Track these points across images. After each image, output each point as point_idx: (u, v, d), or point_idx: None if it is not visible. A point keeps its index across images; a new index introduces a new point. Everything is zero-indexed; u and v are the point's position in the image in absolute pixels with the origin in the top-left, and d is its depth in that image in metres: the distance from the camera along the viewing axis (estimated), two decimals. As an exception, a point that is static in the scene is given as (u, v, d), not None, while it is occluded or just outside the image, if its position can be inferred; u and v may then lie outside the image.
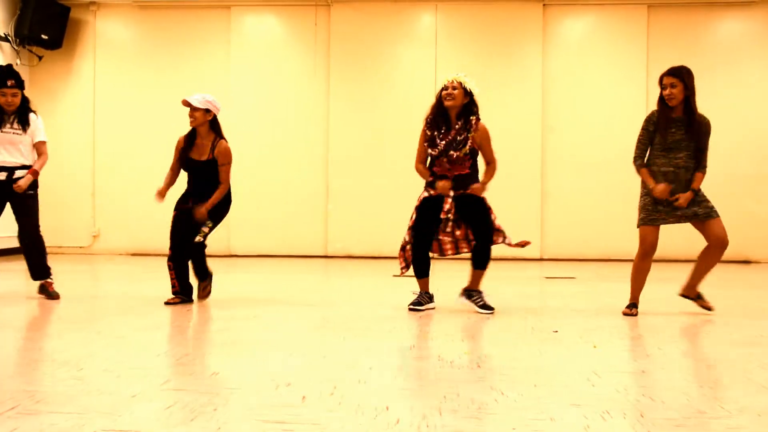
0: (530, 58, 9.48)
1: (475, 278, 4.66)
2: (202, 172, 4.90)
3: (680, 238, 9.40)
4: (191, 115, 4.85)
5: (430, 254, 4.72)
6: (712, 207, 4.59)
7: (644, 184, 4.70)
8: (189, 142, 4.95)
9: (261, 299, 5.08)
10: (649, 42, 9.51)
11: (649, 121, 4.69)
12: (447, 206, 4.50)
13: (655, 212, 4.61)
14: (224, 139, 4.94)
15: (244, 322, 4.28)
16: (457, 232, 4.61)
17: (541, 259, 9.37)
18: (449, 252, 4.71)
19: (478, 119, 4.56)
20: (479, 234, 4.57)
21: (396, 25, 9.64)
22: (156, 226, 9.87)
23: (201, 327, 4.02)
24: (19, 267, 7.71)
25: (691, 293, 4.71)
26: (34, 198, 5.12)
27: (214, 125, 4.93)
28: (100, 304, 4.94)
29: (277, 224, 9.42)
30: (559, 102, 9.52)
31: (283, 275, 7.07)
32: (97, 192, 9.92)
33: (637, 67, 9.49)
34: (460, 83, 4.51)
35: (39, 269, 5.12)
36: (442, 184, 4.52)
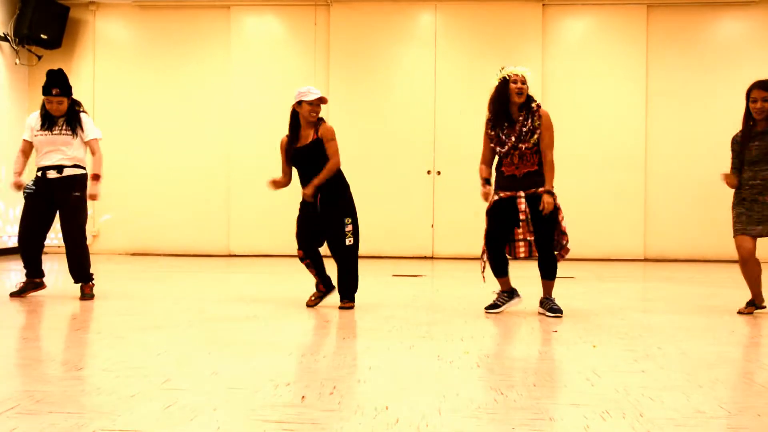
0: (530, 57, 9.48)
1: (546, 288, 4.62)
2: (310, 156, 4.70)
3: (713, 238, 9.42)
4: (316, 111, 4.71)
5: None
6: None
7: (734, 196, 4.77)
8: (293, 139, 4.78)
9: (260, 299, 5.08)
10: (648, 42, 9.51)
11: (733, 141, 4.77)
12: (522, 206, 4.42)
13: (744, 222, 4.66)
14: (325, 122, 4.83)
15: (243, 323, 4.28)
16: (529, 237, 4.48)
17: (541, 259, 9.37)
18: (522, 254, 4.58)
19: (539, 105, 4.51)
20: (541, 244, 4.49)
21: (395, 25, 9.64)
22: (155, 226, 9.89)
23: (200, 327, 4.02)
24: (18, 267, 7.71)
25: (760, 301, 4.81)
26: (83, 201, 5.16)
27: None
28: (100, 304, 4.94)
29: (276, 224, 9.41)
30: (559, 102, 9.51)
31: (283, 275, 7.07)
32: (96, 192, 9.91)
33: (636, 67, 9.50)
34: (525, 77, 4.45)
35: (82, 274, 5.17)
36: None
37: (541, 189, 4.46)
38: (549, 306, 4.58)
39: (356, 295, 4.89)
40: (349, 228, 4.74)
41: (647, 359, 3.26)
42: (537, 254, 4.55)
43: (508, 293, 4.71)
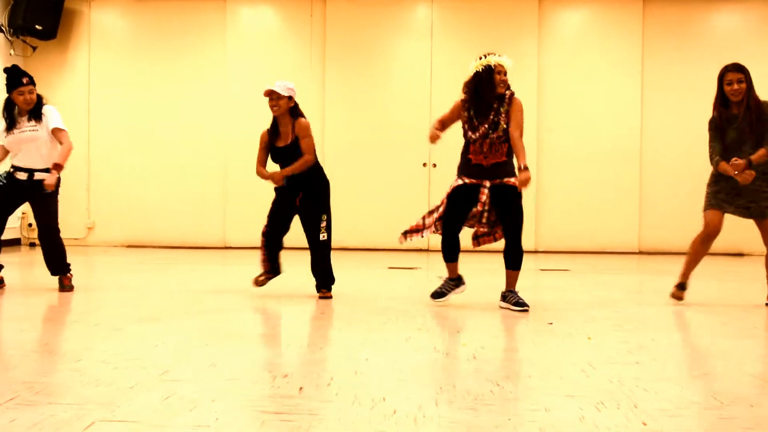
0: (526, 51, 9.48)
1: (510, 279, 4.53)
2: (289, 157, 4.83)
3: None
4: (275, 104, 4.78)
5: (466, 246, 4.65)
6: None
7: (711, 177, 4.81)
8: (274, 133, 4.91)
9: (257, 291, 5.08)
10: (644, 36, 9.52)
11: (711, 123, 4.82)
12: (484, 197, 4.37)
13: (718, 198, 4.69)
14: (303, 117, 4.90)
15: (240, 314, 4.29)
16: (492, 220, 4.48)
17: (536, 252, 9.40)
18: (486, 242, 4.62)
19: (512, 93, 4.47)
20: (508, 233, 4.44)
21: (392, 18, 9.63)
22: (150, 218, 9.88)
23: (197, 318, 4.03)
24: (13, 260, 7.70)
25: None
26: (53, 196, 5.05)
27: (294, 110, 4.88)
28: (97, 296, 4.95)
29: (272, 216, 9.41)
30: (555, 95, 9.53)
31: (281, 266, 7.07)
32: (91, 184, 9.89)
33: (632, 61, 9.51)
34: (506, 68, 4.42)
35: (58, 266, 5.11)
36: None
37: (511, 180, 4.36)
38: (514, 299, 4.45)
39: (351, 287, 4.92)
40: (324, 224, 4.89)
41: (641, 351, 3.29)
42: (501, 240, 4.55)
43: (455, 280, 4.66)
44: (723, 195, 4.68)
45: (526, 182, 4.27)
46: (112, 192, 9.80)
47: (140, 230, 9.81)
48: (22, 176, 5.02)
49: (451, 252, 4.60)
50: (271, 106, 4.83)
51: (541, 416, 2.26)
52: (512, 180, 4.39)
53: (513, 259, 4.48)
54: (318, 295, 4.95)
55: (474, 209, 4.48)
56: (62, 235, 5.18)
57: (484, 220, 4.48)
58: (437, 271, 7.07)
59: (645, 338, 3.60)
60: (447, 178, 9.29)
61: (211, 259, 8.03)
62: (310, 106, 9.59)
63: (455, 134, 10.05)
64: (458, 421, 2.20)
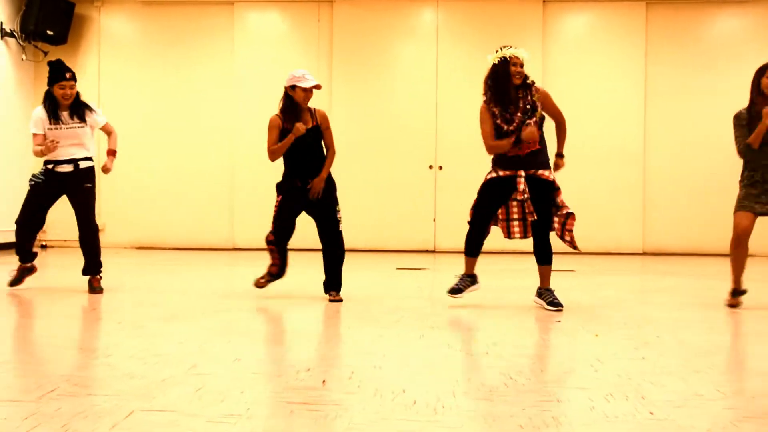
0: (530, 53, 9.60)
1: (543, 275, 4.57)
2: (306, 143, 4.77)
3: (711, 232, 9.57)
4: (309, 96, 4.76)
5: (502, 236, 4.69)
6: None
7: (744, 178, 4.66)
8: (290, 119, 4.76)
9: (267, 292, 5.18)
10: (647, 38, 9.65)
11: (739, 117, 4.68)
12: (522, 186, 4.39)
13: (751, 200, 4.60)
14: (318, 108, 4.94)
15: (255, 313, 4.43)
16: (529, 217, 4.47)
17: (541, 253, 9.52)
18: (516, 235, 4.61)
19: (533, 81, 4.55)
20: (539, 228, 4.48)
21: (397, 22, 9.77)
22: (160, 220, 10.02)
23: (215, 317, 4.15)
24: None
25: None
26: (93, 190, 5.26)
27: None
28: (115, 296, 5.08)
29: (280, 218, 9.54)
30: (559, 98, 9.50)
31: (290, 268, 7.20)
32: (101, 186, 10.02)
33: (635, 64, 9.63)
34: (523, 60, 4.47)
35: (92, 264, 5.23)
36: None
37: (546, 173, 4.43)
38: (550, 299, 4.53)
39: (362, 287, 5.02)
40: (340, 215, 4.88)
41: (647, 347, 3.41)
42: (532, 237, 4.55)
43: (471, 277, 4.67)
44: (759, 196, 4.55)
45: (559, 166, 4.55)
46: (122, 194, 9.94)
47: (150, 232, 9.95)
48: (66, 168, 5.14)
49: (475, 246, 4.61)
50: (308, 99, 4.76)
51: (554, 406, 2.39)
52: (547, 173, 4.46)
53: (545, 253, 4.53)
54: (328, 297, 4.88)
55: (512, 200, 4.49)
56: (73, 237, 5.33)
57: (530, 209, 4.41)
58: (444, 272, 7.19)
59: (650, 335, 3.73)
60: (452, 180, 9.49)
61: (221, 260, 8.17)
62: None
63: (459, 135, 10.15)
64: (475, 411, 2.33)
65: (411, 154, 9.62)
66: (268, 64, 9.85)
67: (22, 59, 9.59)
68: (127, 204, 9.95)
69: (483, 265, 6.41)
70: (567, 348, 3.40)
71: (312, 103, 4.89)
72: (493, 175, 4.52)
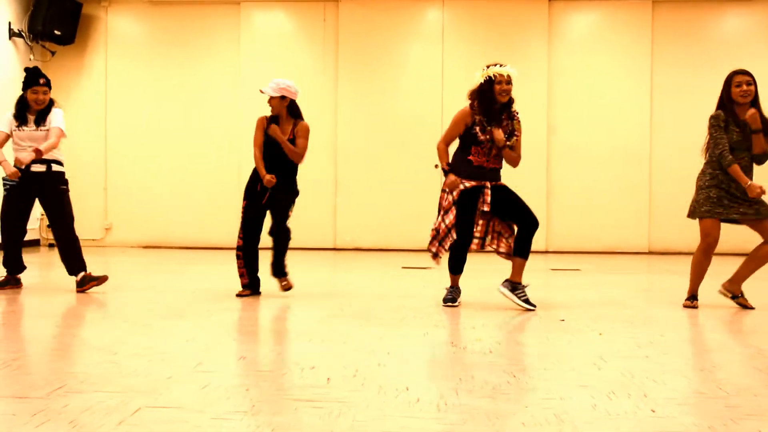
0: (536, 53, 9.62)
1: (518, 268, 4.51)
2: (281, 152, 4.87)
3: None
4: (275, 105, 4.90)
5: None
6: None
7: (706, 176, 4.66)
8: (271, 121, 4.95)
9: (272, 291, 5.21)
10: (653, 38, 9.64)
11: (718, 118, 4.69)
12: (488, 198, 4.47)
13: (719, 206, 4.57)
14: (304, 121, 4.98)
15: (260, 312, 4.45)
16: (497, 226, 4.61)
17: (547, 252, 9.53)
18: (503, 248, 4.65)
19: (517, 112, 4.62)
20: (522, 219, 4.50)
21: (403, 21, 9.79)
22: (166, 219, 10.07)
23: (219, 316, 4.18)
24: (33, 260, 7.89)
25: (736, 290, 4.74)
26: (66, 194, 5.24)
27: (293, 110, 4.96)
28: (121, 295, 5.11)
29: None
30: (565, 97, 9.66)
31: (292, 268, 7.23)
32: (109, 185, 10.09)
33: (641, 63, 9.62)
34: (510, 77, 4.45)
35: (75, 265, 5.22)
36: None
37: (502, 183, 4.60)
38: (524, 297, 4.49)
39: (366, 286, 5.04)
40: (291, 213, 5.03)
41: (650, 346, 3.42)
42: (508, 240, 4.63)
43: (458, 289, 4.74)
44: (726, 201, 4.58)
45: (500, 140, 4.53)
46: (129, 194, 9.99)
47: (156, 231, 10.00)
48: (40, 168, 5.12)
49: (460, 262, 4.67)
50: (276, 107, 4.92)
51: (556, 404, 2.41)
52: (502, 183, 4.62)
53: (525, 248, 4.49)
54: (282, 285, 4.99)
55: (479, 212, 4.56)
56: (80, 235, 5.31)
57: (494, 228, 4.60)
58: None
59: (654, 334, 3.73)
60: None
61: (226, 259, 8.18)
62: (323, 109, 9.77)
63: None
64: (478, 409, 2.35)
65: (416, 153, 9.63)
66: (274, 63, 9.88)
67: (30, 59, 9.64)
68: (133, 203, 10.00)
69: (483, 265, 6.44)
70: (570, 347, 3.41)
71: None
72: (462, 187, 4.53)
